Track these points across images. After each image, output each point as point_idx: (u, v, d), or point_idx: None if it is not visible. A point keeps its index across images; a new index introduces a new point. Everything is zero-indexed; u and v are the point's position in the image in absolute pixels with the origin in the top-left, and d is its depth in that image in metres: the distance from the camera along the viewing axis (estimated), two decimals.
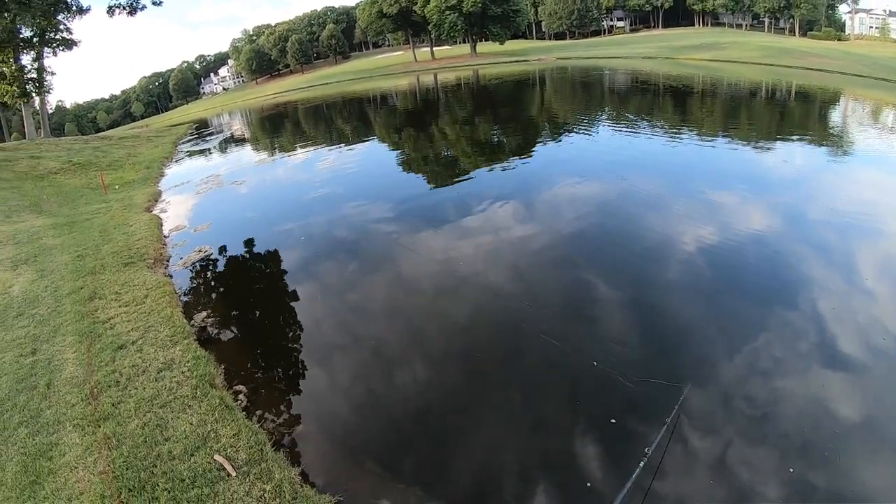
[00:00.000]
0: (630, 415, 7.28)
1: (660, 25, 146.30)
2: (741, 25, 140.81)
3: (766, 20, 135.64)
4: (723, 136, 25.19)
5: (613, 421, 7.07)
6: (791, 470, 6.35)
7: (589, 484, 6.22)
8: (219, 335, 10.12)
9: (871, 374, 8.33)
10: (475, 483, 6.49)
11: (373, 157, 26.57)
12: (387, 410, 7.82)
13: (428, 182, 20.11)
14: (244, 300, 11.95)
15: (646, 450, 6.23)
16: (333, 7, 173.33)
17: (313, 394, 8.35)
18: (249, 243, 14.94)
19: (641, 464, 6.04)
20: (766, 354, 8.67)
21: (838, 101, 41.04)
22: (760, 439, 6.91)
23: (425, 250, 13.45)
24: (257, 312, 11.40)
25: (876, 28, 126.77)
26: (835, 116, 33.73)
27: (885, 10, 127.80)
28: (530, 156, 22.56)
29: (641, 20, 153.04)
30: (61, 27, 44.09)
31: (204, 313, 10.86)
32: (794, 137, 24.79)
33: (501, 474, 6.57)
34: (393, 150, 28.42)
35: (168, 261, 13.77)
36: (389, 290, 11.70)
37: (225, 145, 39.43)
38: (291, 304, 11.32)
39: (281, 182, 22.92)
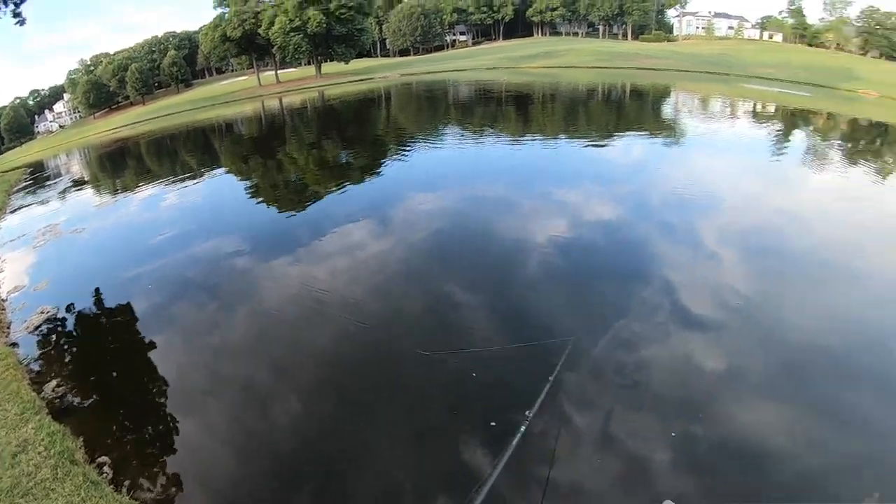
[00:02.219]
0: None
1: (501, 38, 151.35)
2: (577, 33, 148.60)
3: (601, 27, 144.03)
4: (564, 136, 26.94)
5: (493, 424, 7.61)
6: (673, 434, 7.37)
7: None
8: (74, 404, 9.69)
9: (728, 328, 9.62)
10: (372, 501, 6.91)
11: (221, 189, 26.40)
12: (268, 450, 7.95)
13: (278, 209, 20.48)
14: (98, 361, 11.47)
15: (526, 413, 6.70)
16: (175, 32, 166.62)
17: (187, 449, 8.19)
18: (97, 297, 14.50)
19: (522, 429, 6.54)
20: (634, 324, 9.77)
21: (668, 95, 44.68)
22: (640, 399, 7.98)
23: (282, 279, 13.75)
24: (114, 372, 10.99)
25: (702, 28, 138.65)
26: (665, 109, 36.79)
27: (710, 12, 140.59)
28: (379, 173, 23.42)
29: (483, 33, 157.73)
30: None
31: (54, 382, 10.39)
32: (630, 131, 26.96)
33: (398, 486, 7.04)
34: (241, 179, 28.36)
35: (9, 328, 13.09)
36: (250, 325, 11.77)
37: (62, 190, 37.59)
38: (150, 356, 11.01)
39: (125, 225, 22.23)
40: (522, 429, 6.59)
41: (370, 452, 7.65)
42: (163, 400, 9.51)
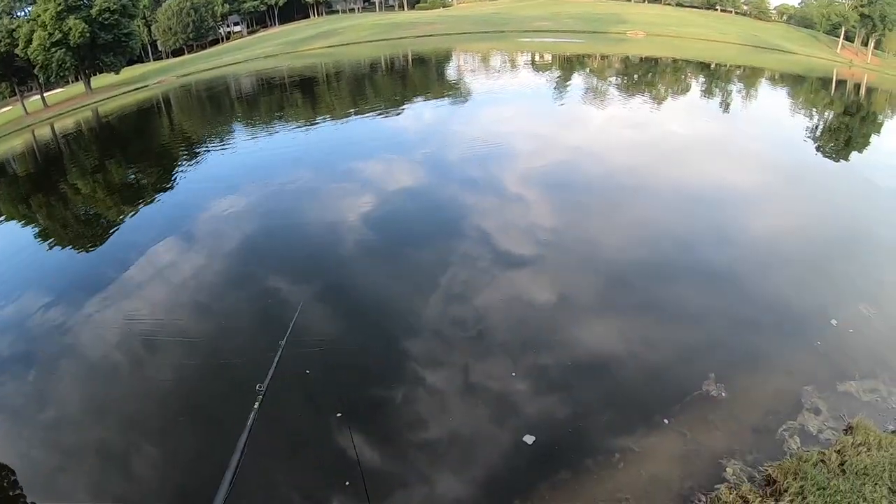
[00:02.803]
0: None
1: (277, 23, 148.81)
2: (354, 10, 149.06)
3: (377, 1, 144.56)
4: (355, 113, 27.97)
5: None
6: (513, 373, 8.58)
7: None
8: None
9: (546, 262, 11.00)
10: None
11: (4, 241, 24.37)
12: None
13: (77, 250, 19.83)
14: None
15: (258, 387, 6.21)
16: None
17: None
18: None
19: (256, 405, 5.99)
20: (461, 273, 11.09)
21: (450, 57, 46.77)
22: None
23: (97, 323, 13.19)
24: None
25: None
26: (449, 71, 38.67)
27: None
28: (172, 186, 23.75)
29: (258, 21, 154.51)
30: None
31: None
32: (419, 97, 28.41)
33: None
34: (26, 224, 26.83)
35: None
36: (80, 383, 11.32)
37: None
38: None
39: None
40: (257, 405, 6.01)
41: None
42: (16, 489, 8.70)
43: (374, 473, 7.19)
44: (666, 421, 7.67)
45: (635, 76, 31.41)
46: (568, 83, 27.28)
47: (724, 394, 8.10)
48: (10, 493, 8.57)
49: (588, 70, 31.69)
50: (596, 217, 13.17)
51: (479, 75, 34.01)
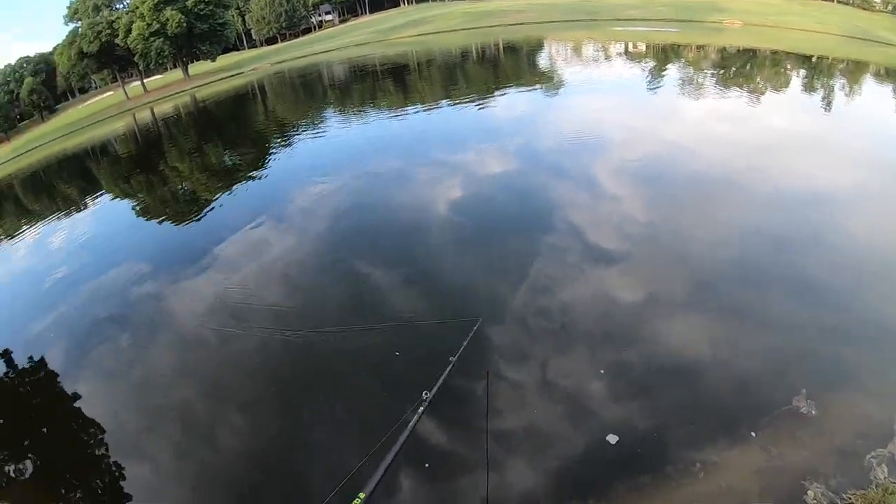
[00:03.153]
0: None
1: (367, 12, 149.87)
2: None
3: None
4: (446, 101, 27.45)
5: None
6: (602, 371, 7.96)
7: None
8: (11, 475, 9.13)
9: (637, 259, 10.38)
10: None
11: (108, 214, 25.87)
12: (219, 475, 8.00)
13: (174, 225, 20.15)
14: (24, 424, 10.88)
15: (424, 394, 6.39)
16: (29, 56, 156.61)
17: (138, 492, 7.99)
18: (5, 358, 13.50)
19: (421, 409, 6.21)
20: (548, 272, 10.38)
21: (541, 47, 45.69)
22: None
23: (191, 294, 13.51)
24: (42, 433, 10.47)
25: None
26: (541, 60, 37.69)
27: None
28: (266, 169, 23.47)
29: (349, 10, 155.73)
30: None
31: None
32: (511, 87, 27.65)
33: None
34: (128, 201, 27.83)
35: None
36: (173, 349, 11.54)
37: None
38: (77, 406, 10.49)
39: (13, 276, 21.05)
40: (421, 410, 6.25)
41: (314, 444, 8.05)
42: (102, 448, 9.15)
43: (448, 458, 7.09)
44: (753, 434, 6.98)
45: (732, 68, 29.49)
46: (662, 74, 25.82)
47: (813, 411, 7.18)
48: (97, 450, 9.12)
49: (683, 61, 29.95)
50: (688, 214, 12.12)
51: (572, 65, 32.74)
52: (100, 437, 9.43)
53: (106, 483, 8.40)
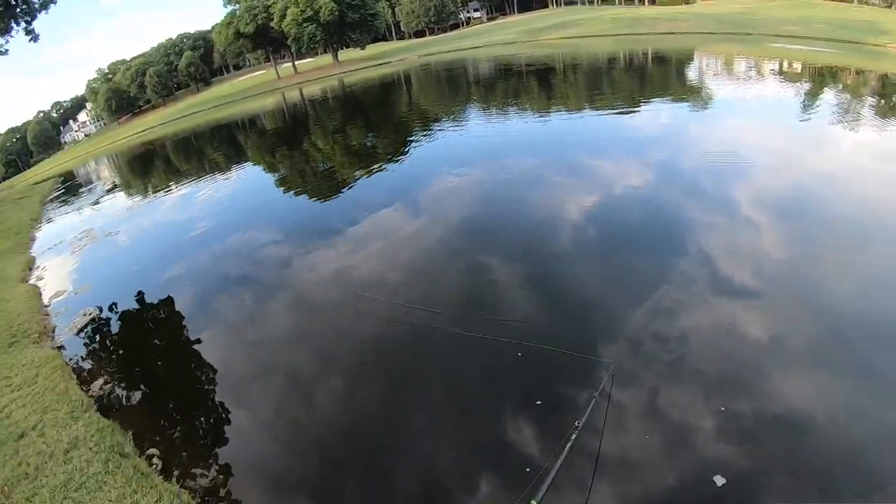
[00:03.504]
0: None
1: (515, 11, 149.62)
2: (593, 1, 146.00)
3: None
4: (589, 107, 26.37)
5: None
6: (722, 409, 6.91)
7: (528, 469, 6.42)
8: (121, 400, 9.77)
9: (772, 298, 9.14)
10: (420, 489, 6.65)
11: (250, 182, 26.44)
12: (314, 437, 7.85)
13: (310, 199, 20.23)
14: (141, 357, 11.53)
15: (576, 422, 6.40)
16: (189, 33, 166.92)
17: (234, 438, 8.17)
18: (137, 296, 14.46)
19: (574, 436, 6.25)
20: (682, 302, 9.32)
21: (691, 59, 43.55)
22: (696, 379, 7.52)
23: (318, 266, 13.53)
24: (158, 367, 11.01)
25: None
26: (690, 73, 35.79)
27: None
28: (405, 156, 23.04)
29: (497, 9, 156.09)
30: None
31: (101, 380, 10.45)
32: (657, 99, 26.25)
33: (445, 475, 6.77)
34: (269, 171, 28.47)
35: (54, 332, 13.12)
36: (292, 313, 11.65)
37: (94, 195, 37.95)
38: (193, 350, 11.02)
39: (159, 225, 22.29)
40: (574, 435, 6.33)
41: (413, 433, 7.57)
42: (210, 391, 9.59)
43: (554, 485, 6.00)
44: None
45: (894, 98, 26.48)
46: (816, 99, 23.42)
47: None
48: (204, 391, 9.65)
49: (840, 85, 27.16)
50: (831, 257, 10.32)
51: (722, 80, 30.59)
52: (209, 379, 9.95)
53: (207, 423, 8.81)
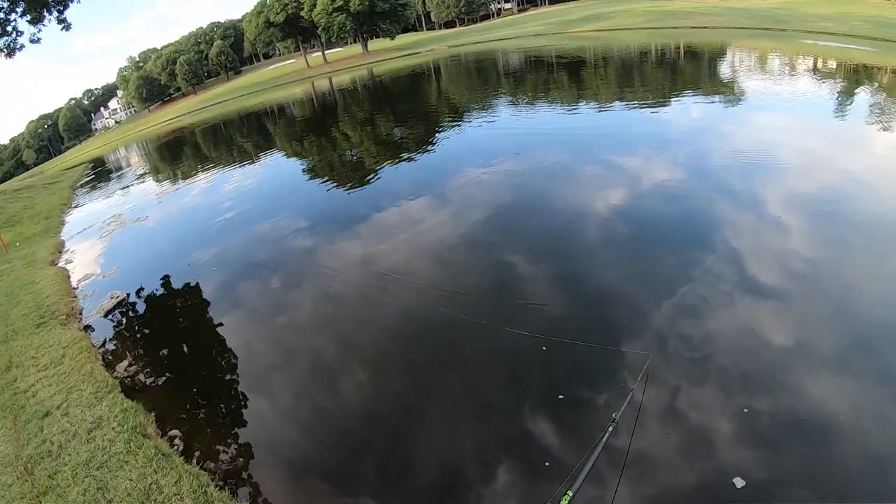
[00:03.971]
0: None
1: (547, 3, 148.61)
2: None
3: None
4: (619, 101, 26.00)
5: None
6: (745, 410, 6.66)
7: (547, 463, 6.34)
8: (145, 382, 9.86)
9: (803, 298, 8.88)
10: (438, 480, 6.55)
11: (278, 170, 26.44)
12: (333, 424, 7.80)
13: (337, 188, 20.06)
14: (166, 340, 11.67)
15: (613, 415, 6.37)
16: (219, 22, 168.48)
17: (253, 422, 8.20)
18: (163, 281, 14.57)
19: (611, 428, 6.22)
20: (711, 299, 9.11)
21: (725, 54, 42.81)
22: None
23: (344, 255, 13.50)
24: (182, 350, 11.13)
25: None
26: (724, 69, 35.19)
27: None
28: (433, 147, 22.87)
29: (529, 0, 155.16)
30: None
31: (126, 362, 10.57)
32: (688, 94, 25.81)
33: (464, 465, 6.66)
34: (297, 160, 28.44)
35: (81, 314, 13.27)
36: (315, 301, 11.66)
37: (124, 181, 38.30)
38: (217, 335, 11.09)
39: (187, 211, 22.46)
40: (611, 428, 6.25)
41: (436, 423, 7.49)
42: (231, 375, 9.63)
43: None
44: None
45: None
46: (851, 98, 22.74)
47: None
48: (226, 376, 9.68)
49: (877, 85, 26.35)
50: (863, 259, 9.92)
51: (755, 76, 29.93)
52: (232, 364, 10.00)
53: (228, 407, 8.84)
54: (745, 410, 6.71)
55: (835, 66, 33.72)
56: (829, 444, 6.31)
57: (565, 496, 5.32)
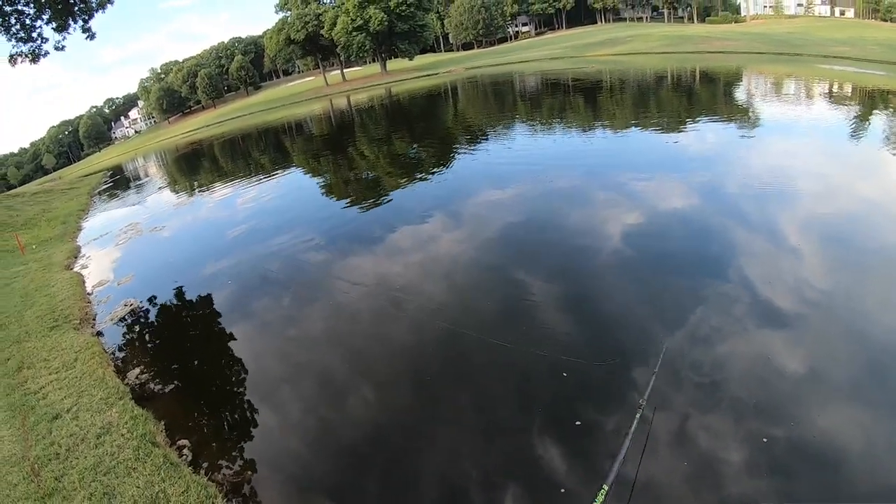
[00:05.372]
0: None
1: (564, 27, 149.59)
2: (642, 18, 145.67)
3: (666, 11, 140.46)
4: (635, 125, 26.03)
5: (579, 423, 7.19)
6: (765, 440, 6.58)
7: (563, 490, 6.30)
8: (156, 390, 9.88)
9: (805, 325, 8.80)
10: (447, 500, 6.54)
11: (294, 186, 26.57)
12: (340, 439, 7.82)
13: (352, 205, 20.08)
14: (178, 350, 11.69)
15: (640, 401, 6.49)
16: (240, 37, 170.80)
17: (262, 436, 8.20)
18: (177, 291, 14.62)
19: (638, 415, 6.35)
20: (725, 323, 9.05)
21: (740, 79, 42.80)
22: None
23: (357, 271, 13.51)
24: (193, 361, 11.15)
25: (769, 7, 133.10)
26: (739, 94, 35.20)
27: None
28: (447, 167, 22.94)
29: (546, 23, 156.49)
30: None
31: (137, 370, 10.59)
32: (704, 119, 25.82)
33: (476, 487, 6.59)
34: (313, 177, 28.56)
35: (94, 319, 13.37)
36: (325, 317, 11.66)
37: (141, 190, 38.62)
38: (228, 347, 11.09)
39: (203, 222, 22.62)
40: (638, 415, 6.37)
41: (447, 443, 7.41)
42: (241, 388, 9.62)
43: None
44: None
45: None
46: (866, 124, 22.63)
47: None
48: (234, 388, 9.71)
49: (893, 110, 26.23)
50: (880, 287, 9.75)
51: (770, 101, 29.90)
52: (241, 377, 10.00)
53: (238, 419, 8.84)
54: (764, 440, 6.61)
55: (850, 91, 33.63)
56: (837, 477, 6.22)
57: (601, 490, 5.41)
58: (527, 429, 7.28)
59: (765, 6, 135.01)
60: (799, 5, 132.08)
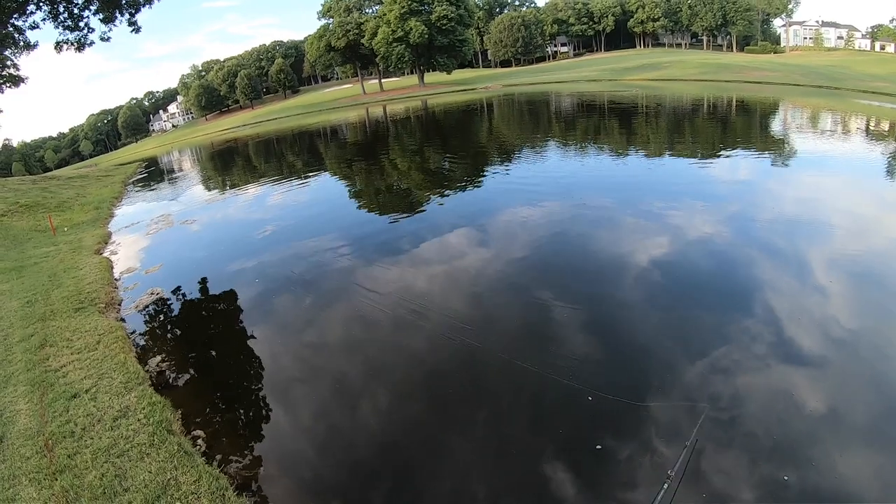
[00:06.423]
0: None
1: (603, 49, 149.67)
2: (681, 45, 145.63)
3: (705, 38, 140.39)
4: (668, 152, 25.80)
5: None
6: (786, 477, 6.40)
7: None
8: (175, 379, 9.95)
9: (830, 364, 8.54)
10: None
11: (324, 190, 26.70)
12: (352, 446, 7.75)
13: (380, 214, 20.17)
14: (200, 342, 11.79)
15: (668, 472, 6.28)
16: (282, 41, 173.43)
17: (275, 434, 8.22)
18: (203, 284, 14.73)
19: (665, 485, 6.12)
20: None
21: (777, 110, 42.33)
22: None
23: (380, 282, 13.34)
24: (214, 354, 11.26)
25: (810, 39, 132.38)
26: (775, 125, 34.82)
27: (817, 21, 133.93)
28: (479, 183, 22.89)
29: (584, 45, 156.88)
30: (8, 63, 42.88)
31: (158, 357, 10.69)
32: (738, 149, 25.53)
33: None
34: (345, 183, 28.60)
35: (120, 304, 13.49)
36: (346, 323, 11.62)
37: (175, 183, 39.04)
38: (249, 344, 11.13)
39: (233, 220, 22.74)
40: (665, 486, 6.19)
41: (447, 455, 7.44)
42: (258, 385, 9.68)
43: None
44: None
45: None
46: None
47: None
48: (251, 385, 9.80)
49: None
50: None
51: (805, 135, 29.47)
52: (259, 373, 10.06)
53: (254, 414, 8.91)
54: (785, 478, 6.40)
55: (888, 128, 33.01)
56: None
57: None
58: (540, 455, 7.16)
59: (805, 38, 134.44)
60: (839, 38, 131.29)
